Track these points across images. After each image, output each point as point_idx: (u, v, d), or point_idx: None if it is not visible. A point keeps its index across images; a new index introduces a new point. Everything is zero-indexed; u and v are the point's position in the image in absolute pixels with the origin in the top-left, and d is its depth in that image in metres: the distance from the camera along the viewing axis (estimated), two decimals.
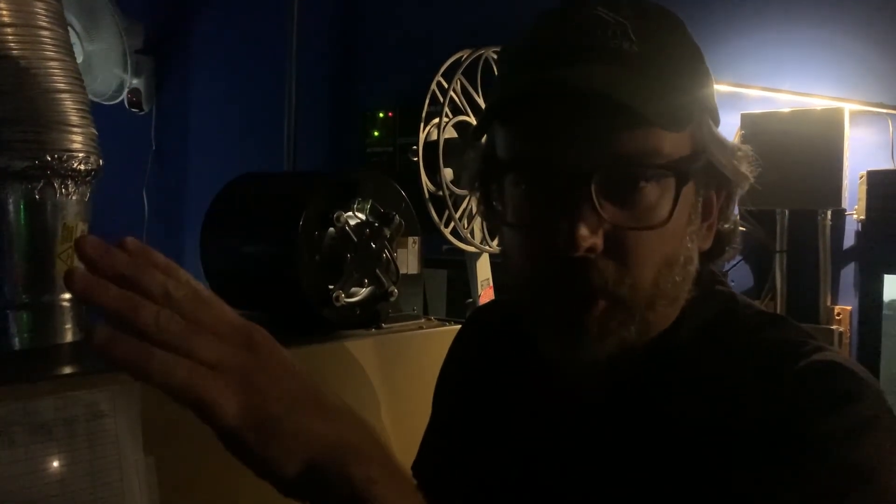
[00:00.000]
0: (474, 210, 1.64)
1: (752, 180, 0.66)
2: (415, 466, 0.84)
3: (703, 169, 0.62)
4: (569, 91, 0.56)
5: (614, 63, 0.57)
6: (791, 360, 0.59)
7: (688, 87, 0.60)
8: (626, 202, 0.58)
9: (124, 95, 2.71)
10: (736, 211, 0.69)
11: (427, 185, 1.59)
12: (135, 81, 3.00)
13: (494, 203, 0.66)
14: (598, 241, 0.57)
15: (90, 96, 1.09)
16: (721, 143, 0.63)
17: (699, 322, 0.65)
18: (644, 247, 0.58)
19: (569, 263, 0.57)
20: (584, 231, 0.56)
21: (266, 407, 0.45)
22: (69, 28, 1.06)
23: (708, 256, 0.67)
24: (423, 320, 1.38)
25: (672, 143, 0.58)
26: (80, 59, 1.08)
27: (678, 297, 0.63)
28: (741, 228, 0.70)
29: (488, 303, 0.94)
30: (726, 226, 0.67)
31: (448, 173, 1.60)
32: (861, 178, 1.57)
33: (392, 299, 1.27)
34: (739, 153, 0.65)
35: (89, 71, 2.52)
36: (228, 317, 0.47)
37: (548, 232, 0.57)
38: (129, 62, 2.58)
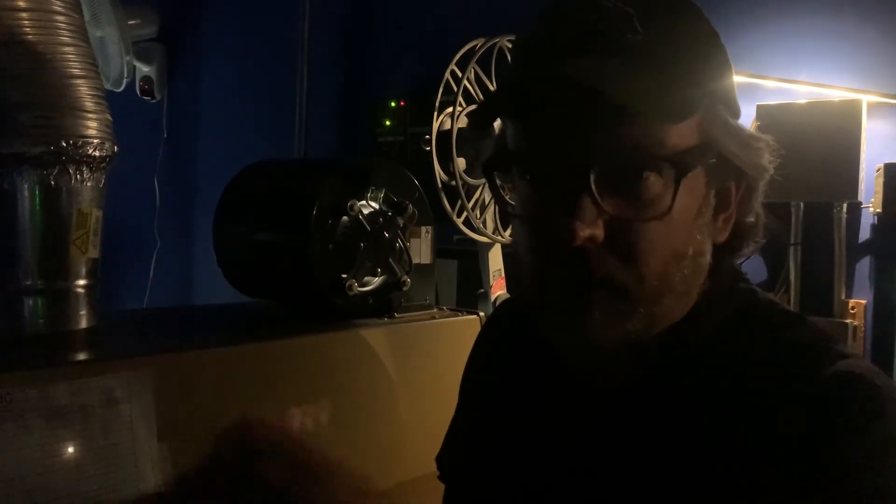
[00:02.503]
0: (487, 200, 1.64)
1: (771, 171, 0.64)
2: (439, 458, 0.84)
3: (714, 160, 0.61)
4: (563, 86, 0.56)
5: (615, 55, 0.57)
6: (813, 368, 0.58)
7: (695, 78, 0.59)
8: (627, 194, 0.58)
9: (126, 83, 2.70)
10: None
11: (440, 174, 1.59)
12: (146, 69, 3.00)
13: (503, 193, 0.66)
14: (597, 231, 0.57)
15: None
16: (735, 133, 0.62)
17: (718, 318, 0.64)
18: (646, 238, 0.58)
19: (569, 253, 0.57)
20: (581, 222, 0.56)
21: None
22: None
23: (727, 250, 0.66)
24: (435, 310, 1.38)
25: (676, 135, 0.58)
26: None
27: (689, 290, 0.62)
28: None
29: (517, 294, 0.93)
30: (748, 219, 0.66)
31: (461, 163, 1.59)
32: (878, 170, 1.55)
33: (405, 289, 1.26)
34: (758, 144, 0.64)
35: None
36: None
37: (549, 223, 0.58)
38: (122, 48, 2.56)
